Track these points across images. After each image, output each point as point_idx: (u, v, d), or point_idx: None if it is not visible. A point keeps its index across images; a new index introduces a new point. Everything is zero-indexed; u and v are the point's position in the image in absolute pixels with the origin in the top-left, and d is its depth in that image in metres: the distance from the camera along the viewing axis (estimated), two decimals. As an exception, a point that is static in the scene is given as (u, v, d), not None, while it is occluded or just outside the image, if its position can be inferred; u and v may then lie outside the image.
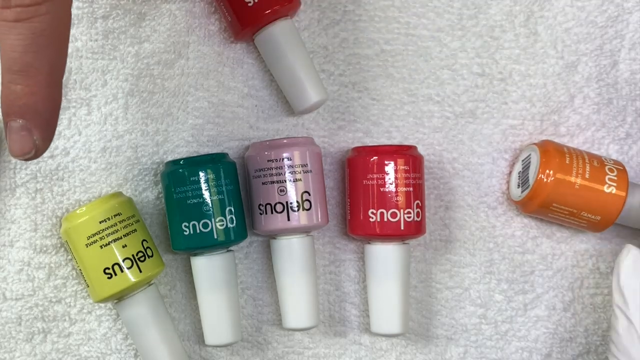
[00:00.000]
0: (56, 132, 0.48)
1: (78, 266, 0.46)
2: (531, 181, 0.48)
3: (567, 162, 0.48)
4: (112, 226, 0.45)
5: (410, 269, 0.49)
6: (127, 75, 0.49)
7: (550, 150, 0.48)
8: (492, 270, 0.51)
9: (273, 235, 0.48)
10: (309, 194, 0.47)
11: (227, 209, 0.46)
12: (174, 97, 0.49)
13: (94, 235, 0.45)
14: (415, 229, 0.48)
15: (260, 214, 0.47)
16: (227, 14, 0.48)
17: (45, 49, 0.31)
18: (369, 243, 0.48)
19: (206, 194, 0.46)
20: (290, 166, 0.46)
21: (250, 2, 0.47)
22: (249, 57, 0.50)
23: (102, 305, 0.48)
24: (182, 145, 0.49)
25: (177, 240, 0.47)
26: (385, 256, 0.48)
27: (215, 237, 0.46)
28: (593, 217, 0.48)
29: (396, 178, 0.47)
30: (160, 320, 0.46)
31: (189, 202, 0.46)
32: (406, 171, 0.47)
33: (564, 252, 0.51)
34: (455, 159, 0.51)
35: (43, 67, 0.31)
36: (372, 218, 0.47)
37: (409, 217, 0.47)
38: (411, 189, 0.47)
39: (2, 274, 0.48)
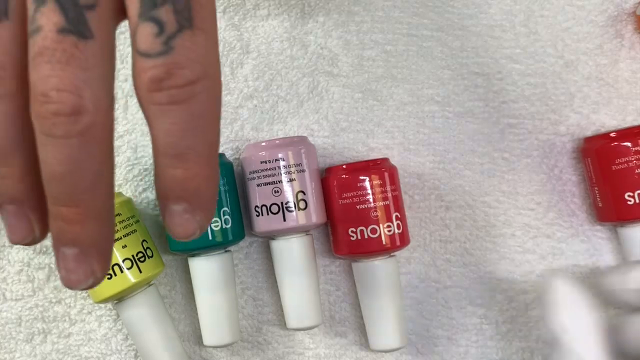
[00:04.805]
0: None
1: (78, 267, 0.45)
2: None
3: None
4: (112, 227, 0.45)
5: (399, 281, 0.49)
6: (127, 75, 0.49)
7: None
8: (492, 270, 0.51)
9: (271, 236, 0.48)
10: (304, 194, 0.47)
11: (223, 209, 0.46)
12: (174, 97, 0.49)
13: (94, 235, 0.45)
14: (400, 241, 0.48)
15: (257, 215, 0.47)
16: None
17: (203, 129, 0.28)
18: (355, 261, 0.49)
19: (203, 195, 0.46)
20: (284, 166, 0.46)
21: None
22: (249, 58, 0.50)
23: (102, 305, 0.48)
24: (182, 145, 0.49)
25: (173, 242, 0.47)
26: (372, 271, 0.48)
27: (210, 238, 0.46)
28: None
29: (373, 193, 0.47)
30: (160, 321, 0.46)
31: (183, 203, 0.45)
32: (381, 185, 0.47)
33: (564, 251, 0.51)
34: (455, 158, 0.51)
35: (202, 148, 0.28)
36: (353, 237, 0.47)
37: (389, 231, 0.47)
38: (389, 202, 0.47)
39: (2, 275, 0.48)
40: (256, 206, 0.47)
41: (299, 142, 0.47)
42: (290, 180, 0.46)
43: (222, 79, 0.50)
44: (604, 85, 0.52)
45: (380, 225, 0.47)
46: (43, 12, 0.26)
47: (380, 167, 0.47)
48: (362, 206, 0.47)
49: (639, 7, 0.52)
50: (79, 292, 0.48)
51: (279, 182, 0.46)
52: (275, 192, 0.46)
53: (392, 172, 0.48)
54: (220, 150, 0.49)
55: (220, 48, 0.50)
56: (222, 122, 0.50)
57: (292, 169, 0.46)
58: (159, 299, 0.47)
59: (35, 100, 0.27)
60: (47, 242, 0.48)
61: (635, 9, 0.52)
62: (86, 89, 0.27)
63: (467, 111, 0.51)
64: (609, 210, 0.49)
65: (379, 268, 0.47)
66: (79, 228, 0.28)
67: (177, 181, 0.29)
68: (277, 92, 0.50)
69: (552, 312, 0.41)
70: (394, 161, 0.51)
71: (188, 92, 0.27)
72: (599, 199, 0.50)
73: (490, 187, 0.51)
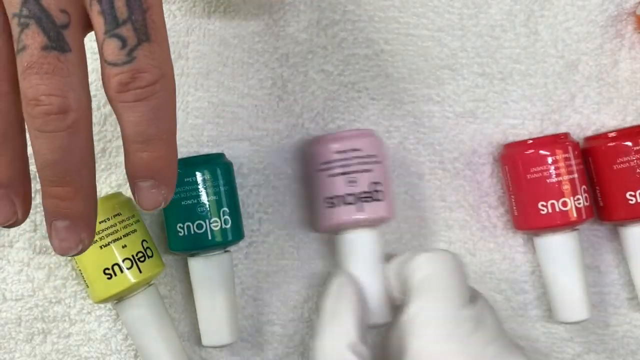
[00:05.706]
0: (56, 133, 0.48)
1: (78, 267, 0.45)
2: None
3: None
4: (111, 226, 0.45)
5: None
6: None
7: None
8: (493, 270, 0.51)
9: (338, 230, 0.47)
10: (380, 184, 0.46)
11: (222, 209, 0.46)
12: (174, 97, 0.49)
13: (93, 235, 0.45)
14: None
15: (329, 207, 0.47)
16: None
17: (163, 119, 0.35)
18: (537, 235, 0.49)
19: (201, 195, 0.46)
20: (360, 157, 0.46)
21: None
22: (249, 57, 0.50)
23: (102, 305, 0.48)
24: (182, 145, 0.49)
25: (172, 241, 0.47)
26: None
27: (209, 238, 0.46)
28: None
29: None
30: (160, 321, 0.46)
31: (183, 203, 0.46)
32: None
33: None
34: (456, 158, 0.51)
35: (163, 134, 0.35)
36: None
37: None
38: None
39: (1, 275, 0.48)
40: (327, 197, 0.47)
41: (370, 134, 0.47)
42: (365, 170, 0.46)
43: (222, 78, 0.50)
44: (604, 85, 0.52)
45: (571, 198, 0.48)
46: (27, 34, 0.32)
47: (564, 142, 0.48)
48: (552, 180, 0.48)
49: (639, 7, 0.52)
50: (79, 292, 0.48)
51: (355, 172, 0.46)
52: (350, 182, 0.46)
53: (576, 146, 0.49)
54: (220, 150, 0.49)
55: (221, 48, 0.50)
56: (223, 121, 0.50)
57: (368, 159, 0.46)
58: (159, 299, 0.47)
59: (28, 104, 0.32)
60: (47, 242, 0.48)
61: (636, 9, 0.52)
62: (69, 91, 0.33)
63: (467, 111, 0.51)
64: (611, 209, 0.49)
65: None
66: (70, 204, 0.34)
67: (144, 162, 0.35)
68: (277, 92, 0.50)
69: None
70: (392, 160, 0.51)
71: (149, 91, 0.33)
72: (600, 199, 0.50)
73: (492, 187, 0.51)
